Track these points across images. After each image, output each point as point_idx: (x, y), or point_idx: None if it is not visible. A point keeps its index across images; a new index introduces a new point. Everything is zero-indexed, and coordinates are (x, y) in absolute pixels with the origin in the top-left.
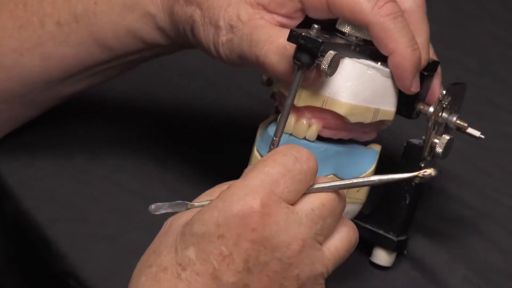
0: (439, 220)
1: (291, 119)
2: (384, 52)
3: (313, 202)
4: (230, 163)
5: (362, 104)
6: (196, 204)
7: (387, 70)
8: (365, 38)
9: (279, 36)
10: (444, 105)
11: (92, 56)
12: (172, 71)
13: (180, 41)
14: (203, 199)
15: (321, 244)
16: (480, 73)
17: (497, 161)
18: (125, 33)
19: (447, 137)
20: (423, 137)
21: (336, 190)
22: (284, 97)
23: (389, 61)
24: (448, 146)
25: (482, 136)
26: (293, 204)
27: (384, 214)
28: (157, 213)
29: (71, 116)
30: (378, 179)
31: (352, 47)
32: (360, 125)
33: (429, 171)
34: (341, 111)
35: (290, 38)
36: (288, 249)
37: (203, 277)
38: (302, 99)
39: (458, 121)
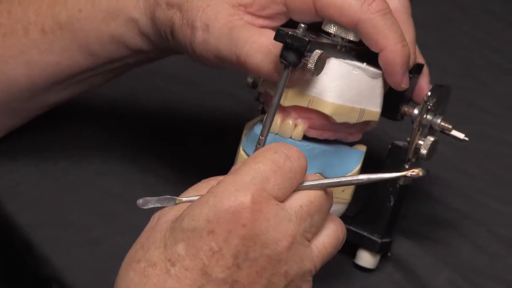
0: (422, 222)
1: (277, 119)
2: (374, 49)
3: (302, 199)
4: (214, 165)
5: (348, 104)
6: (184, 199)
7: (373, 70)
8: (351, 39)
9: (261, 35)
10: (429, 107)
11: (76, 63)
12: (155, 74)
13: (162, 45)
14: (190, 194)
15: (309, 241)
16: (461, 75)
17: (479, 163)
18: (109, 40)
19: (431, 138)
20: (408, 139)
21: (324, 188)
22: (270, 97)
23: (380, 57)
24: (432, 147)
25: (466, 139)
26: (282, 201)
27: (368, 216)
28: (145, 207)
29: (54, 121)
30: (366, 178)
31: (338, 48)
32: (346, 126)
33: (417, 171)
34: (327, 110)
35: (277, 37)
36: (278, 246)
37: (193, 273)
38: (288, 99)
39: (442, 123)
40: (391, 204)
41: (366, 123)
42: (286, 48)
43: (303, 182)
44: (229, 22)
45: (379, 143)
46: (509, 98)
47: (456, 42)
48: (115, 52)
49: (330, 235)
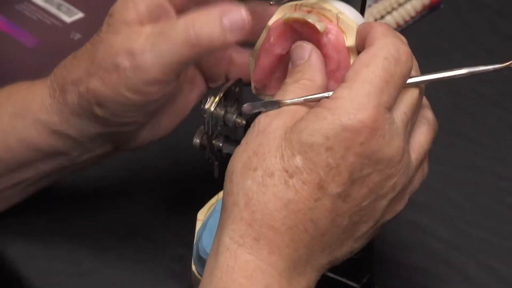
0: (410, 252)
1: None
2: None
3: (406, 104)
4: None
5: None
6: (288, 101)
7: None
8: None
9: (197, 12)
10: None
11: None
12: None
13: (89, 133)
14: (279, 96)
15: (409, 144)
16: (450, 106)
17: (468, 194)
18: (16, 143)
19: None
20: None
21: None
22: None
23: None
24: None
25: None
26: (391, 109)
27: (342, 262)
28: (251, 112)
29: None
30: (467, 71)
31: None
32: None
33: None
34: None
35: None
36: (391, 161)
37: (309, 186)
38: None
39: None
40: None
41: None
42: None
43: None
44: (150, 33)
45: None
46: (497, 129)
47: (442, 71)
48: (24, 155)
49: (424, 132)
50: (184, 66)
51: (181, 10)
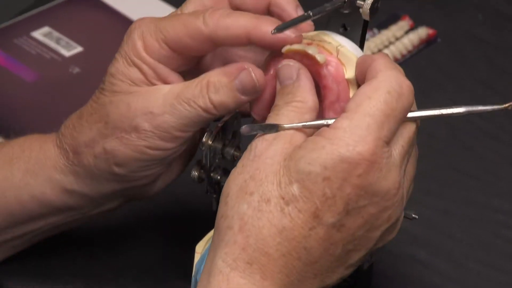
0: (408, 286)
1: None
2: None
3: (403, 137)
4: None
5: None
6: (287, 126)
7: None
8: None
9: (203, 78)
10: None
11: None
12: None
13: (103, 191)
14: (272, 120)
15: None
16: (447, 140)
17: (466, 228)
18: (29, 199)
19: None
20: None
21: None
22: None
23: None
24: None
25: (416, 217)
26: (389, 142)
27: None
28: (249, 134)
29: None
30: (465, 110)
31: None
32: None
33: None
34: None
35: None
36: (387, 194)
37: (305, 214)
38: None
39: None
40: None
41: None
42: None
43: None
44: (167, 94)
45: None
46: (493, 163)
47: (440, 107)
48: (36, 210)
49: (413, 162)
50: (204, 123)
51: (183, 67)
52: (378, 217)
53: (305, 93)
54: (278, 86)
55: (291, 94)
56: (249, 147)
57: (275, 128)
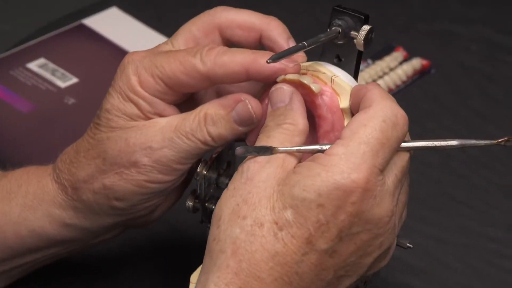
0: None
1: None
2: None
3: (397, 166)
4: None
5: None
6: (281, 149)
7: None
8: None
9: (207, 108)
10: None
11: None
12: None
13: (103, 223)
14: (263, 142)
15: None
16: (441, 168)
17: (461, 257)
18: (28, 233)
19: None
20: None
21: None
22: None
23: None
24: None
25: (411, 246)
26: (383, 170)
27: None
28: (243, 155)
29: None
30: (459, 143)
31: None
32: None
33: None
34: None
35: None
36: (380, 221)
37: (298, 240)
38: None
39: None
40: None
41: None
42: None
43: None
44: (165, 128)
45: None
46: (487, 192)
47: (434, 136)
48: (35, 244)
49: (405, 191)
50: (203, 155)
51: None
52: (370, 244)
53: (297, 116)
54: (269, 109)
55: (282, 116)
56: (240, 168)
57: (270, 151)
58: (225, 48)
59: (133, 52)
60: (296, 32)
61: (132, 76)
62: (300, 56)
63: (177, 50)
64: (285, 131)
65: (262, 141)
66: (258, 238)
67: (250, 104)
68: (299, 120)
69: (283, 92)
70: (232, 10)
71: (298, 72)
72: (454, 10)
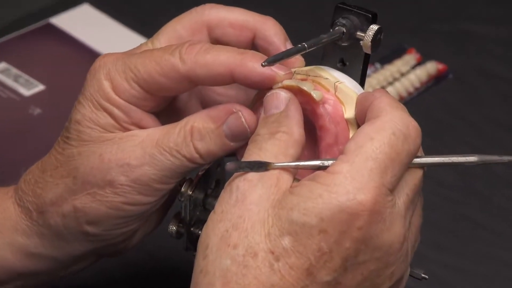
0: None
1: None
2: None
3: (408, 185)
4: None
5: None
6: (277, 165)
7: None
8: None
9: (194, 120)
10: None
11: None
12: None
13: (74, 252)
14: (254, 157)
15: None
16: (458, 188)
17: (479, 286)
18: None
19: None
20: None
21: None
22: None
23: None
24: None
25: (426, 277)
26: (393, 190)
27: None
28: (235, 172)
29: None
30: (478, 159)
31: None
32: None
33: None
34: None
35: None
36: (390, 248)
37: (297, 272)
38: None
39: None
40: None
41: None
42: None
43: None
44: (145, 142)
45: None
46: (511, 214)
47: (453, 151)
48: None
49: (419, 213)
50: (188, 173)
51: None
52: (379, 274)
53: (292, 124)
54: (262, 114)
55: (276, 123)
56: (227, 187)
57: (265, 166)
58: (209, 45)
59: (105, 55)
60: (293, 33)
61: (104, 81)
62: (298, 59)
63: (153, 49)
64: (278, 142)
65: (253, 154)
66: (252, 270)
67: (244, 117)
68: (294, 129)
69: (278, 97)
70: (223, 8)
71: (290, 79)
72: (474, 8)
